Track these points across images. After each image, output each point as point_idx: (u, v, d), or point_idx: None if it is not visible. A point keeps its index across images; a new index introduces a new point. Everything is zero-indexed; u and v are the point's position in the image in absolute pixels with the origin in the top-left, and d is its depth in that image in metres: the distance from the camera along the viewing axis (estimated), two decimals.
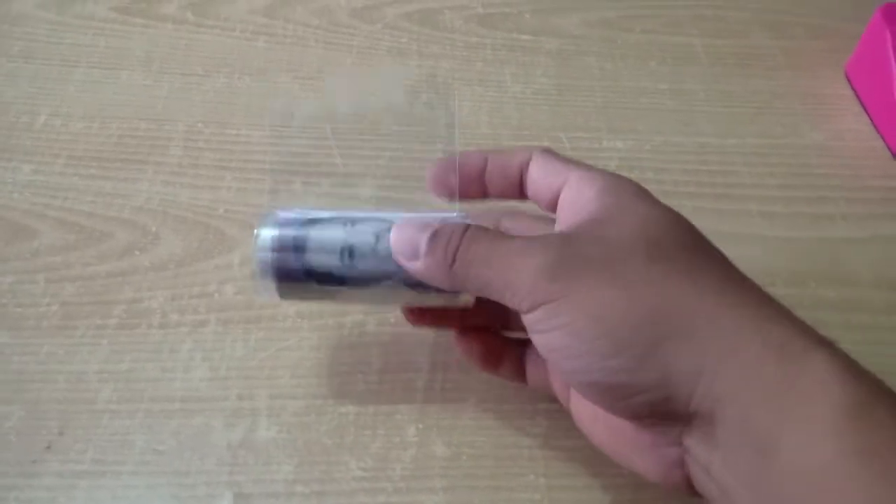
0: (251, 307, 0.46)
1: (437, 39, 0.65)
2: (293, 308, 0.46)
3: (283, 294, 0.37)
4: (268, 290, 0.36)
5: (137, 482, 0.39)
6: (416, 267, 0.35)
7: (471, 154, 0.39)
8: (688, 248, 0.32)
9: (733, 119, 0.61)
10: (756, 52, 0.67)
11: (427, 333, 0.45)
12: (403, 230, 0.35)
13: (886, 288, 0.50)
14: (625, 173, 0.35)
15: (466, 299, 0.36)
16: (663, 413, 0.30)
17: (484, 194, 0.39)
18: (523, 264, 0.31)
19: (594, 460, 0.40)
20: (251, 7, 0.67)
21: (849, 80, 0.65)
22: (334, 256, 0.35)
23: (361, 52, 0.63)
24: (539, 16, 0.69)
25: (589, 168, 0.36)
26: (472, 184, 0.39)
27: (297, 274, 0.36)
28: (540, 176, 0.37)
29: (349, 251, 0.35)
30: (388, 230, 0.35)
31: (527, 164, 0.38)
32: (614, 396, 0.31)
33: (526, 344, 0.40)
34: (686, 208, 0.51)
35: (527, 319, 0.32)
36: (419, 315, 0.41)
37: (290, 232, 0.36)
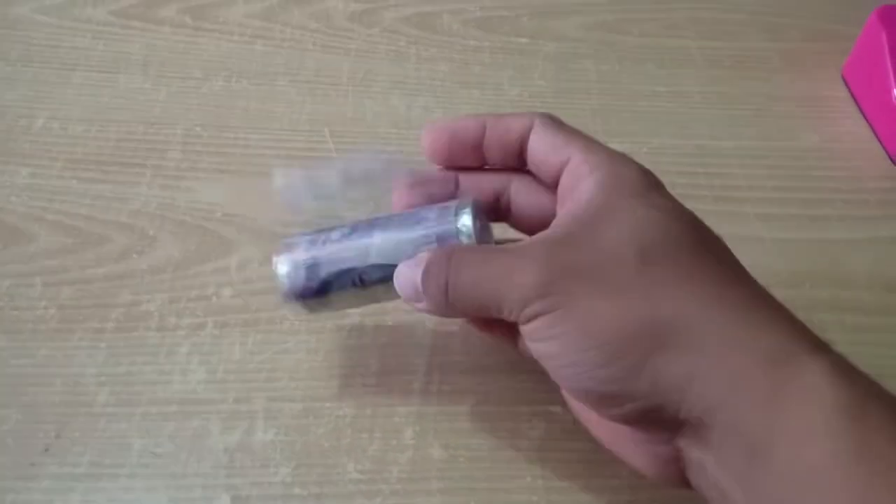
0: (248, 310, 0.46)
1: (435, 43, 0.65)
2: (290, 311, 0.46)
3: (313, 310, 0.39)
4: (297, 309, 0.39)
5: (135, 485, 0.39)
6: (420, 308, 0.35)
7: (467, 121, 0.38)
8: (684, 249, 0.31)
9: (730, 121, 0.61)
10: (753, 54, 0.67)
11: (424, 336, 0.45)
12: (403, 273, 0.35)
13: (882, 289, 0.50)
14: None
15: None
16: (654, 419, 0.30)
17: (482, 163, 0.38)
18: (512, 283, 0.31)
19: (591, 462, 0.40)
20: (249, 11, 0.67)
21: (846, 83, 0.65)
22: (347, 279, 0.37)
23: (359, 56, 0.64)
24: (537, 19, 0.69)
25: (591, 147, 0.35)
26: (469, 153, 0.38)
27: (317, 295, 0.38)
28: (540, 150, 0.36)
29: (359, 276, 0.37)
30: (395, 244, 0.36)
31: (527, 134, 0.36)
32: (605, 404, 0.31)
33: None
34: None
35: (523, 330, 0.32)
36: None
37: (303, 259, 0.38)
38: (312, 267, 0.37)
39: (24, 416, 0.41)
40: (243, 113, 0.58)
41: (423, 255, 0.34)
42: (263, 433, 0.41)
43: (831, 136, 0.61)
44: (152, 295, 0.46)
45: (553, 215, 0.34)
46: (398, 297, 0.36)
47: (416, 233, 0.36)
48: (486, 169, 0.39)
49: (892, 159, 0.59)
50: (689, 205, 0.53)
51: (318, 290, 0.37)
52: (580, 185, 0.33)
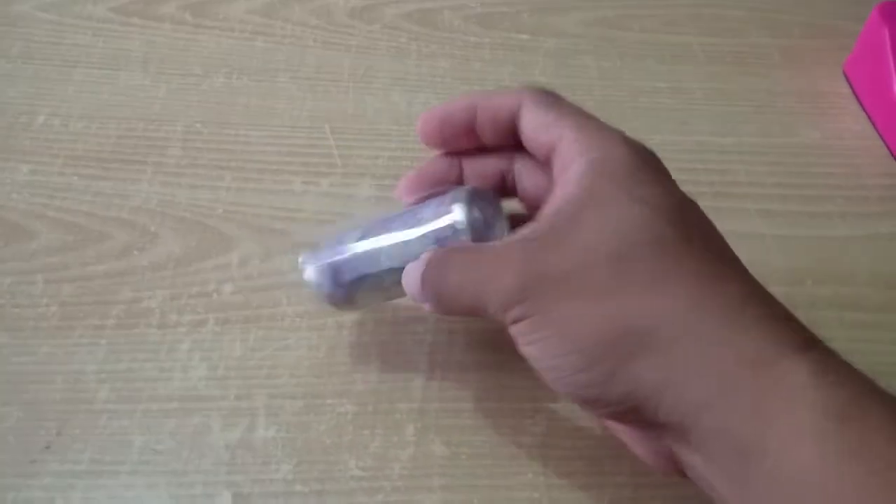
0: (249, 307, 0.46)
1: (435, 39, 0.65)
2: (291, 308, 0.46)
3: (342, 308, 0.41)
4: (327, 308, 0.41)
5: (136, 482, 0.39)
6: (428, 309, 0.35)
7: (457, 103, 0.37)
8: (667, 247, 0.30)
9: (731, 118, 0.61)
10: (754, 50, 0.67)
11: (426, 333, 0.45)
12: (409, 274, 0.35)
13: (883, 286, 0.50)
14: None
15: None
16: (637, 420, 0.30)
17: (480, 144, 0.38)
18: (493, 288, 0.31)
19: (594, 459, 0.41)
20: (249, 7, 0.67)
21: (847, 79, 0.65)
22: (367, 282, 0.38)
23: (360, 52, 0.63)
24: (537, 15, 0.69)
25: (582, 126, 0.33)
26: (462, 136, 0.37)
27: (345, 297, 0.40)
28: (532, 130, 0.35)
29: (377, 279, 0.38)
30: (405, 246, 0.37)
31: (518, 112, 0.35)
32: (589, 406, 0.31)
33: None
34: None
35: (509, 331, 0.32)
36: None
37: (328, 264, 0.39)
38: (336, 273, 0.39)
39: (25, 413, 0.41)
40: (244, 109, 0.58)
41: (425, 257, 0.34)
42: (265, 430, 0.41)
43: (832, 133, 0.61)
44: (153, 291, 0.46)
45: None
46: None
47: (417, 233, 0.36)
48: (490, 149, 0.38)
49: (893, 156, 0.59)
50: None
51: (345, 293, 0.39)
52: (568, 170, 0.32)
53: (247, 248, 0.49)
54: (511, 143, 0.37)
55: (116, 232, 0.49)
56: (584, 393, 0.30)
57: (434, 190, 0.38)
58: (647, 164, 0.33)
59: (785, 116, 0.62)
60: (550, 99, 0.35)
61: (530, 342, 0.31)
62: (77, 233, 0.49)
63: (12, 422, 0.41)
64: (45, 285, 0.46)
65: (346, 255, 0.38)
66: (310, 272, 0.39)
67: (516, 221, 0.35)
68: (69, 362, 0.43)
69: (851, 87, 0.64)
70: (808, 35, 0.69)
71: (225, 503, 0.39)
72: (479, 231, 0.35)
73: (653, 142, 0.57)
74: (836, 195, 0.56)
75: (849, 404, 0.26)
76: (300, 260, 0.40)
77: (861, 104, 0.63)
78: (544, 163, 0.35)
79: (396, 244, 0.37)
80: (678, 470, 0.31)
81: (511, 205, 0.38)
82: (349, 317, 0.46)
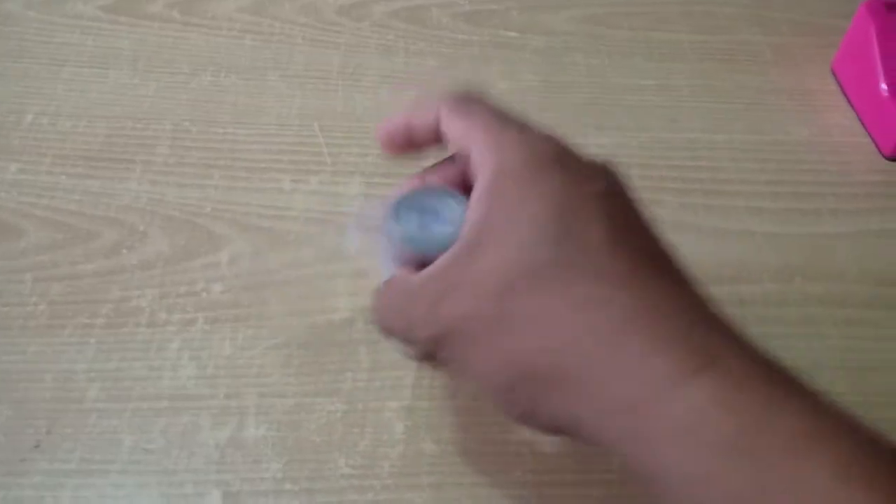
0: (239, 305, 0.46)
1: (424, 37, 0.65)
2: (281, 306, 0.46)
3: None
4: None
5: (125, 481, 0.39)
6: None
7: (396, 122, 0.36)
8: (543, 278, 0.29)
9: (721, 115, 0.61)
10: (743, 48, 0.67)
11: None
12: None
13: (873, 282, 0.50)
14: None
15: None
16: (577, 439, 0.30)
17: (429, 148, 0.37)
18: (414, 336, 0.32)
19: (581, 456, 0.41)
20: (238, 5, 0.66)
21: (835, 76, 0.65)
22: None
23: (349, 50, 0.63)
24: (526, 13, 0.69)
25: (486, 137, 0.32)
26: (408, 147, 0.37)
27: None
28: (451, 142, 0.34)
29: None
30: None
31: (439, 125, 0.35)
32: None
33: None
34: (673, 204, 0.53)
35: None
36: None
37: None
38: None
39: (15, 412, 0.41)
40: (232, 108, 0.58)
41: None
42: (255, 429, 0.41)
43: (821, 130, 0.61)
44: (142, 290, 0.46)
45: None
46: None
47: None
48: None
49: (881, 152, 0.59)
50: (679, 198, 0.54)
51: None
52: (476, 186, 0.32)
53: (236, 246, 0.49)
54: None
55: (105, 231, 0.49)
56: (518, 423, 0.31)
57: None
58: (541, 165, 0.31)
59: (774, 113, 0.62)
60: (462, 107, 0.34)
61: (461, 381, 0.31)
62: (66, 231, 0.49)
63: (1, 420, 0.41)
64: (34, 284, 0.46)
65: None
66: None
67: None
68: (58, 361, 0.43)
69: (840, 84, 0.64)
70: (798, 32, 0.69)
71: (215, 502, 0.38)
72: (414, 238, 0.34)
73: (642, 139, 0.58)
74: (826, 192, 0.56)
75: (749, 425, 0.25)
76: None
77: (849, 101, 0.63)
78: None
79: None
80: None
81: None
82: (339, 315, 0.46)
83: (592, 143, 0.56)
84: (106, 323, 0.45)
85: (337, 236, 0.49)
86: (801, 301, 0.49)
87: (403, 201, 0.35)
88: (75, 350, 0.44)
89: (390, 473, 0.40)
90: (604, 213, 0.30)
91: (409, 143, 0.37)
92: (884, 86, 0.59)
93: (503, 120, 0.33)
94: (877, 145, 0.59)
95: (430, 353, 0.32)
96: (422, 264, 0.33)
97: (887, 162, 0.59)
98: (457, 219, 0.34)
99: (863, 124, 0.61)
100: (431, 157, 0.37)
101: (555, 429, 0.30)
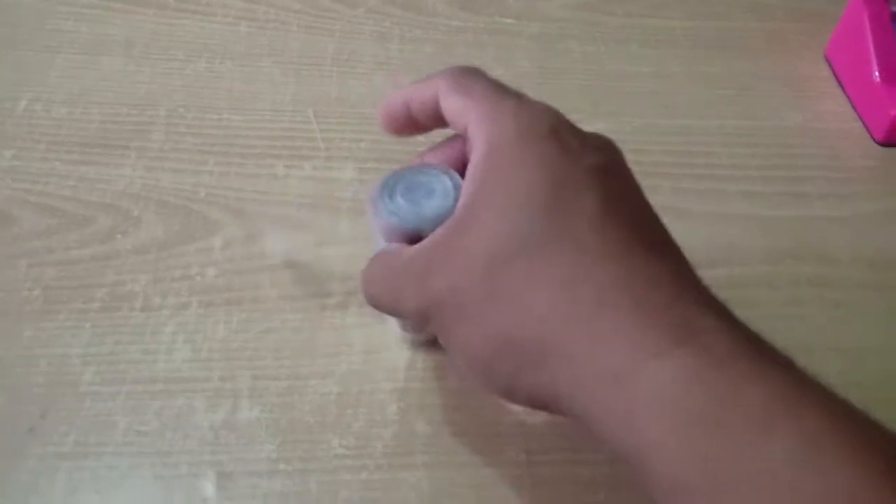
0: (232, 289, 0.46)
1: (419, 24, 0.65)
2: (275, 290, 0.46)
3: None
4: None
5: (120, 463, 0.39)
6: None
7: (395, 99, 0.36)
8: (530, 251, 0.29)
9: (714, 101, 0.61)
10: (737, 34, 0.68)
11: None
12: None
13: (863, 266, 0.51)
14: None
15: None
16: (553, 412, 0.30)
17: (429, 129, 0.37)
18: (404, 307, 0.32)
19: (573, 436, 0.41)
20: None
21: (828, 62, 0.65)
22: None
23: (343, 37, 0.63)
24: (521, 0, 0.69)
25: (482, 110, 0.32)
26: (407, 126, 0.37)
27: None
28: (449, 119, 0.34)
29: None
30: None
31: (438, 102, 0.34)
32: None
33: None
34: (666, 189, 0.53)
35: None
36: None
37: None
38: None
39: (10, 396, 0.41)
40: (227, 94, 0.58)
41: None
42: (249, 410, 0.41)
43: (814, 116, 0.61)
44: (136, 275, 0.46)
45: None
46: None
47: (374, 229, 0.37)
48: None
49: (873, 138, 0.59)
50: (673, 183, 0.54)
51: None
52: (470, 160, 0.32)
53: (230, 231, 0.49)
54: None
55: (100, 216, 0.49)
56: (500, 396, 0.31)
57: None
58: (536, 136, 0.31)
59: (768, 99, 0.62)
60: (461, 82, 0.34)
61: (448, 352, 0.32)
62: (60, 217, 0.49)
63: None
64: (29, 269, 0.46)
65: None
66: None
67: None
68: (53, 346, 0.43)
69: (833, 70, 0.65)
70: (792, 19, 0.70)
71: (209, 483, 0.39)
72: (405, 216, 0.34)
73: (636, 125, 0.58)
74: (818, 177, 0.56)
75: (710, 407, 0.25)
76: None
77: (842, 87, 0.63)
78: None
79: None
80: None
81: None
82: (332, 300, 0.46)
83: (587, 129, 0.56)
84: (101, 307, 0.45)
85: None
86: (792, 284, 0.49)
87: (394, 179, 0.35)
88: (70, 335, 0.44)
89: (384, 453, 0.40)
90: (597, 186, 0.30)
91: (410, 123, 0.37)
92: (876, 72, 0.59)
93: (500, 92, 0.33)
94: (869, 131, 0.60)
95: (420, 326, 0.32)
96: (416, 241, 0.33)
97: (879, 147, 0.59)
98: (451, 195, 0.34)
99: (855, 110, 0.61)
100: (431, 141, 0.37)
101: (535, 402, 0.30)
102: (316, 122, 0.56)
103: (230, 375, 0.43)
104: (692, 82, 0.63)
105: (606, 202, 0.29)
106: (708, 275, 0.31)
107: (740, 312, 0.29)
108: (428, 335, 0.43)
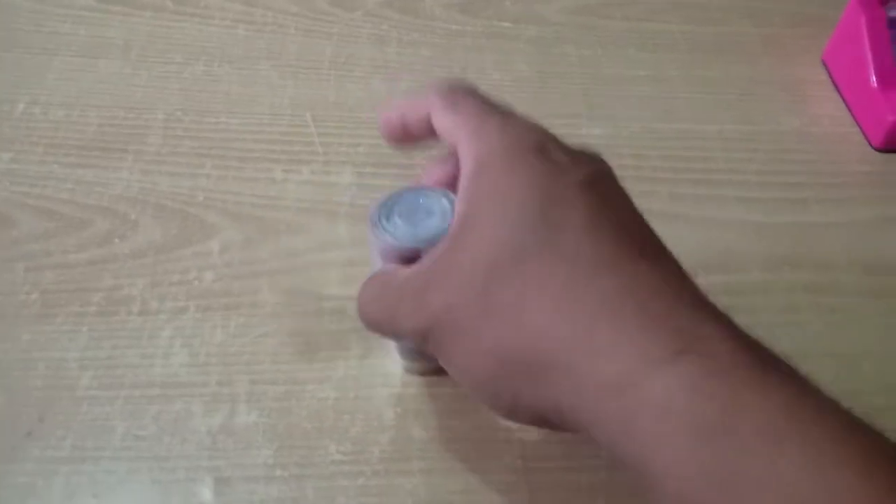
0: (230, 294, 0.46)
1: (417, 27, 0.65)
2: (273, 295, 0.46)
3: None
4: None
5: (118, 467, 0.39)
6: None
7: (392, 115, 0.37)
8: (524, 266, 0.29)
9: (712, 105, 0.61)
10: (735, 39, 0.68)
11: None
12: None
13: (860, 272, 0.51)
14: None
15: None
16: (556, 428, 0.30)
17: (422, 141, 0.38)
18: (401, 328, 0.32)
19: (570, 442, 0.41)
20: None
21: (826, 67, 0.65)
22: None
23: (341, 40, 0.63)
24: (520, 3, 0.69)
25: (471, 128, 0.33)
26: (404, 139, 0.37)
27: None
28: (442, 136, 0.35)
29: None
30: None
31: (431, 119, 0.35)
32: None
33: None
34: (663, 194, 0.53)
35: None
36: None
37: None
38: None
39: (7, 400, 0.41)
40: (224, 97, 0.58)
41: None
42: (246, 415, 0.41)
43: (812, 120, 0.61)
44: (134, 279, 0.46)
45: None
46: None
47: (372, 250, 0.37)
48: None
49: (870, 143, 0.59)
50: (670, 188, 0.54)
51: None
52: (461, 179, 0.32)
53: (227, 235, 0.49)
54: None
55: (97, 220, 0.49)
56: (504, 416, 0.31)
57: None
58: (522, 153, 0.31)
59: (765, 104, 0.62)
60: (451, 100, 0.34)
61: (450, 374, 0.32)
62: (58, 220, 0.49)
63: None
64: (26, 273, 0.46)
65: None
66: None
67: None
68: (51, 349, 0.43)
69: (830, 75, 0.65)
70: (789, 24, 0.70)
71: (207, 488, 0.39)
72: (402, 238, 0.34)
73: (634, 129, 0.58)
74: (815, 182, 0.56)
75: (715, 417, 0.25)
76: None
77: (840, 92, 0.63)
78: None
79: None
80: None
81: None
82: (329, 304, 0.46)
83: (584, 134, 0.57)
84: (98, 311, 0.45)
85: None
86: (789, 290, 0.49)
87: (392, 200, 0.36)
88: (67, 338, 0.44)
89: (380, 459, 0.40)
90: (585, 200, 0.30)
91: (408, 137, 0.37)
92: (874, 77, 0.59)
93: (487, 110, 0.33)
94: (866, 136, 0.60)
95: (420, 346, 0.32)
96: (412, 262, 0.33)
97: (876, 153, 0.59)
98: (449, 216, 0.34)
99: (853, 115, 0.61)
100: (431, 149, 0.38)
101: (539, 418, 0.30)
102: (314, 125, 0.56)
103: (228, 380, 0.43)
104: (690, 87, 0.63)
105: (597, 214, 0.30)
106: (704, 281, 0.31)
107: (737, 318, 0.29)
108: (431, 364, 0.42)
